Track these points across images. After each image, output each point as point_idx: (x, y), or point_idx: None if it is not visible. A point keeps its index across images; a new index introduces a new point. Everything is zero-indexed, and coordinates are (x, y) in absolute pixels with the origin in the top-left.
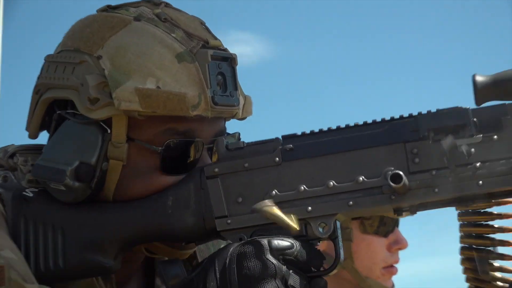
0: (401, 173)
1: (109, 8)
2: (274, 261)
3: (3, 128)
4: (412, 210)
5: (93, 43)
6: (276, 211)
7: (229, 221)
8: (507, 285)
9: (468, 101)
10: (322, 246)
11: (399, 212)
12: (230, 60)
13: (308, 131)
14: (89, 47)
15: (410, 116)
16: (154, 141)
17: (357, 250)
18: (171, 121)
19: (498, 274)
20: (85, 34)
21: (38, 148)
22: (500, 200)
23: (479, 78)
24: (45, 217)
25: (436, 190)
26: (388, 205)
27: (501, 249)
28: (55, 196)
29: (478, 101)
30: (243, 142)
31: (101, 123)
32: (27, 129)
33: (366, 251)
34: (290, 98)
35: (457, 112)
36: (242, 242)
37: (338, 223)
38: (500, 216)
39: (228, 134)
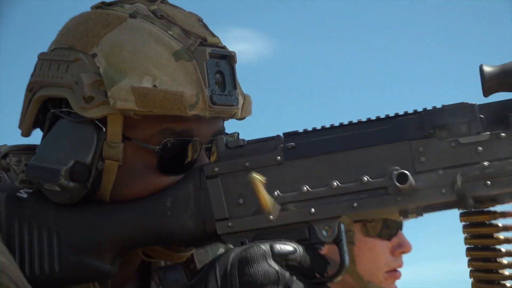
0: (407, 172)
1: (103, 5)
2: (276, 267)
3: None
4: (419, 212)
5: (87, 41)
6: (259, 185)
7: (230, 224)
8: None
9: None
10: (324, 250)
11: (405, 214)
12: (229, 58)
13: (309, 128)
14: (84, 45)
15: (415, 112)
16: (151, 140)
17: (360, 253)
18: (168, 121)
19: (506, 272)
20: (79, 31)
21: (31, 148)
22: None
23: (487, 69)
24: (39, 218)
25: (443, 190)
26: (394, 206)
27: (506, 247)
28: (50, 197)
29: (485, 92)
30: (243, 140)
31: (96, 121)
32: (19, 127)
33: (369, 254)
34: (290, 96)
35: (463, 108)
36: (244, 246)
37: (342, 226)
38: (504, 214)
39: (227, 134)
